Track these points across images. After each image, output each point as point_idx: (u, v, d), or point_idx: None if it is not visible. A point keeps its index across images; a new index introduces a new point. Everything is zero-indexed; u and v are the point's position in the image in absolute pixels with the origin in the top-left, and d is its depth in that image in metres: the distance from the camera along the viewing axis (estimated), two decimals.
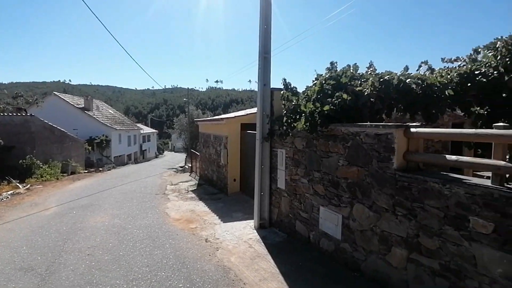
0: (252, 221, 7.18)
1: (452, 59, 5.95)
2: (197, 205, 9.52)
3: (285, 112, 5.75)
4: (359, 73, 5.49)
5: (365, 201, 4.13)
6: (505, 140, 2.73)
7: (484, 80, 5.03)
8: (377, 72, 5.27)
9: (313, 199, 5.26)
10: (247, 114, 10.76)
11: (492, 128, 2.92)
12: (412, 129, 3.57)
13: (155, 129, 54.64)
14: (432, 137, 3.87)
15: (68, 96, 32.32)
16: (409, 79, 4.86)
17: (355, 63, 5.58)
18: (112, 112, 35.97)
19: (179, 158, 43.89)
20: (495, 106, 5.03)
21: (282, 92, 5.98)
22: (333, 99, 4.73)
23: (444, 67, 6.05)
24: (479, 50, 5.27)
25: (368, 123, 4.13)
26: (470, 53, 5.54)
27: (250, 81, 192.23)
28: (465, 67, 5.44)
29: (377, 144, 3.91)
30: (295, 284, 4.11)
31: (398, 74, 4.97)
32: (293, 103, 5.54)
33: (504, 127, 2.74)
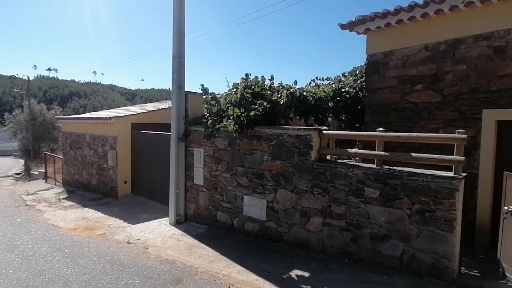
0: (163, 219, 7.40)
1: (324, 78, 8.03)
2: (86, 212, 8.68)
3: (208, 115, 6.35)
4: (265, 84, 6.69)
5: (288, 187, 5.35)
6: (383, 139, 4.44)
7: (347, 96, 7.17)
8: (283, 84, 6.60)
9: (237, 190, 6.13)
10: (137, 113, 10.45)
11: (353, 130, 4.56)
12: (324, 131, 5.01)
13: None
14: (336, 137, 5.43)
15: None
16: (305, 93, 6.42)
17: (263, 76, 6.72)
18: None
19: (8, 163, 35.07)
20: (354, 114, 7.24)
21: (204, 96, 6.55)
22: (257, 106, 5.75)
23: (319, 83, 8.07)
24: (346, 74, 7.41)
25: (291, 127, 5.37)
26: (338, 75, 7.69)
27: (95, 72, 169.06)
28: (334, 85, 7.51)
29: (298, 142, 5.18)
30: (239, 260, 4.90)
31: (297, 88, 6.47)
32: (216, 107, 6.22)
33: (383, 131, 4.45)
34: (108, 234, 6.57)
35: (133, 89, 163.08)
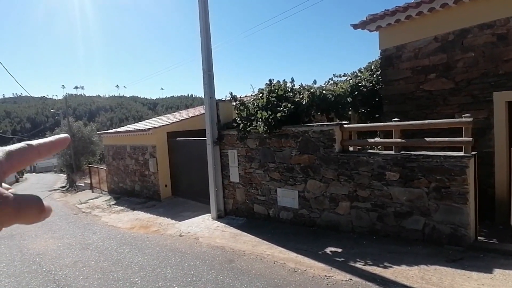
0: (205, 215, 8.25)
1: (341, 74, 8.58)
2: (137, 214, 9.72)
3: (238, 119, 7.12)
4: (287, 86, 7.36)
5: (316, 177, 6.01)
6: (398, 128, 5.01)
7: (365, 90, 7.69)
8: (304, 85, 7.25)
9: (270, 184, 6.86)
10: (171, 123, 11.43)
11: (372, 122, 5.12)
12: (345, 126, 5.63)
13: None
14: (356, 130, 5.99)
15: None
16: (325, 91, 7.03)
17: (284, 79, 7.41)
18: None
19: (51, 179, 38.03)
20: (372, 106, 7.76)
21: (234, 103, 7.32)
22: (282, 108, 6.43)
23: (336, 80, 8.63)
24: (362, 70, 7.94)
25: (315, 124, 6.03)
26: (354, 71, 8.22)
27: (118, 86, 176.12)
28: (351, 80, 8.05)
29: (322, 137, 5.83)
30: (278, 243, 5.62)
31: (317, 87, 7.10)
32: (245, 112, 6.97)
33: (398, 121, 5.02)
34: (161, 230, 7.50)
35: (154, 98, 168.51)
